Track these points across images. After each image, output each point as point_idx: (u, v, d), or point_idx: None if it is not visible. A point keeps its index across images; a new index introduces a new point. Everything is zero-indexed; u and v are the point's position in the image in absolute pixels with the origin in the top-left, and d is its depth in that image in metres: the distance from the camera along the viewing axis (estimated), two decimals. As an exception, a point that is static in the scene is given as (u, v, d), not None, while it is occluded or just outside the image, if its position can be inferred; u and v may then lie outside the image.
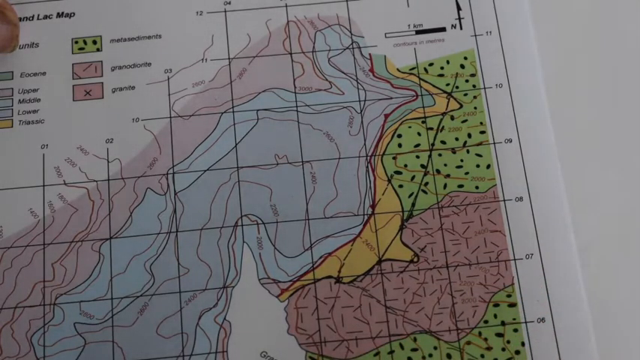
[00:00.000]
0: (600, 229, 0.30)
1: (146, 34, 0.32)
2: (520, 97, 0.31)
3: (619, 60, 0.32)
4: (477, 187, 0.30)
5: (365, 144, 0.31)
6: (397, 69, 0.32)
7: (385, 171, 0.31)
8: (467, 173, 0.30)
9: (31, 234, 0.30)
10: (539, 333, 0.28)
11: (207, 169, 0.31)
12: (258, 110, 0.31)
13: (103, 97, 0.32)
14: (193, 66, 0.32)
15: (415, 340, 0.28)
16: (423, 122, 0.31)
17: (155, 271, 0.29)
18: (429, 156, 0.31)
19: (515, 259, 0.29)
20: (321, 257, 0.30)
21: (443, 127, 0.31)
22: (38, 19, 0.33)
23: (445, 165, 0.31)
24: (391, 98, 0.31)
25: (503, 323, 0.29)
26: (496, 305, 0.29)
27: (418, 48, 0.32)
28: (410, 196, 0.30)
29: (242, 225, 0.30)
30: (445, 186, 0.30)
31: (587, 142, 0.31)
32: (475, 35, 0.32)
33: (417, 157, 0.31)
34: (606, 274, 0.30)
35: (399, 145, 0.31)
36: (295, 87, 0.32)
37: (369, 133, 0.31)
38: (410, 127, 0.31)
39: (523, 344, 0.28)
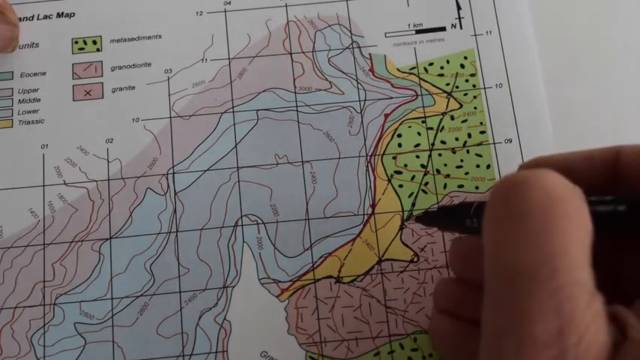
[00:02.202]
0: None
1: (146, 34, 0.32)
2: (520, 97, 0.31)
3: (619, 59, 0.32)
4: (476, 187, 0.30)
5: (365, 144, 0.31)
6: (397, 69, 0.32)
7: (385, 171, 0.31)
8: (467, 173, 0.30)
9: (31, 234, 0.30)
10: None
11: (207, 169, 0.31)
12: (258, 110, 0.31)
13: (103, 97, 0.32)
14: (193, 66, 0.32)
15: (415, 340, 0.28)
16: (423, 122, 0.31)
17: (155, 271, 0.29)
18: (429, 156, 0.31)
19: (515, 259, 0.29)
20: (321, 257, 0.29)
21: (443, 127, 0.31)
22: (38, 19, 0.33)
23: (445, 165, 0.30)
24: (391, 98, 0.31)
25: (503, 323, 0.28)
26: (496, 305, 0.29)
27: (418, 48, 0.32)
28: (410, 195, 0.30)
29: (242, 225, 0.30)
30: (445, 186, 0.30)
31: (586, 143, 0.31)
32: (475, 35, 0.32)
33: (417, 156, 0.31)
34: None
35: (399, 145, 0.31)
36: (295, 87, 0.32)
37: (369, 133, 0.31)
38: (410, 126, 0.31)
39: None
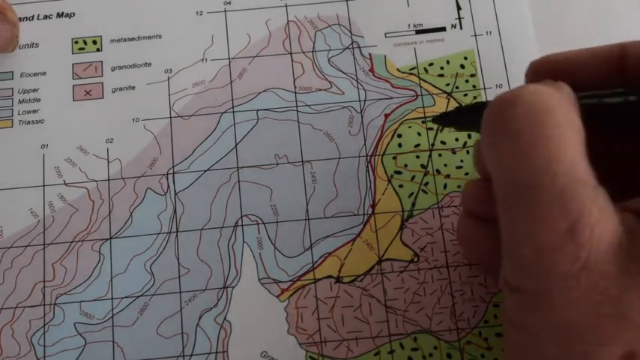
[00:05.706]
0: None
1: (146, 34, 0.32)
2: (520, 97, 0.31)
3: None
4: (477, 187, 0.30)
5: (365, 144, 0.31)
6: (397, 69, 0.32)
7: (385, 171, 0.31)
8: (467, 174, 0.30)
9: (31, 234, 0.30)
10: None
11: (207, 169, 0.31)
12: (258, 110, 0.31)
13: (103, 97, 0.32)
14: (193, 66, 0.32)
15: (415, 339, 0.28)
16: (423, 122, 0.31)
17: (155, 271, 0.29)
18: (429, 156, 0.31)
19: (515, 259, 0.29)
20: (321, 257, 0.30)
21: (443, 127, 0.31)
22: (38, 19, 0.33)
23: (445, 165, 0.31)
24: (391, 98, 0.31)
25: (503, 323, 0.29)
26: (496, 306, 0.29)
27: (418, 48, 0.32)
28: (410, 195, 0.30)
29: (242, 225, 0.30)
30: (445, 186, 0.30)
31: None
32: (475, 35, 0.32)
33: (417, 157, 0.31)
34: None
35: (399, 145, 0.31)
36: (295, 87, 0.32)
37: (369, 133, 0.31)
38: (410, 127, 0.31)
39: (523, 344, 0.28)
